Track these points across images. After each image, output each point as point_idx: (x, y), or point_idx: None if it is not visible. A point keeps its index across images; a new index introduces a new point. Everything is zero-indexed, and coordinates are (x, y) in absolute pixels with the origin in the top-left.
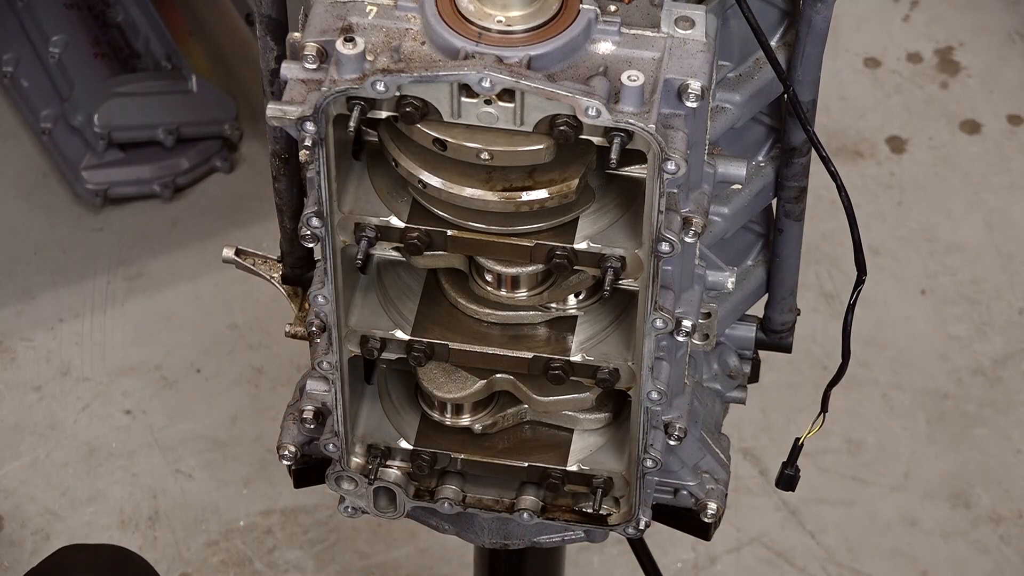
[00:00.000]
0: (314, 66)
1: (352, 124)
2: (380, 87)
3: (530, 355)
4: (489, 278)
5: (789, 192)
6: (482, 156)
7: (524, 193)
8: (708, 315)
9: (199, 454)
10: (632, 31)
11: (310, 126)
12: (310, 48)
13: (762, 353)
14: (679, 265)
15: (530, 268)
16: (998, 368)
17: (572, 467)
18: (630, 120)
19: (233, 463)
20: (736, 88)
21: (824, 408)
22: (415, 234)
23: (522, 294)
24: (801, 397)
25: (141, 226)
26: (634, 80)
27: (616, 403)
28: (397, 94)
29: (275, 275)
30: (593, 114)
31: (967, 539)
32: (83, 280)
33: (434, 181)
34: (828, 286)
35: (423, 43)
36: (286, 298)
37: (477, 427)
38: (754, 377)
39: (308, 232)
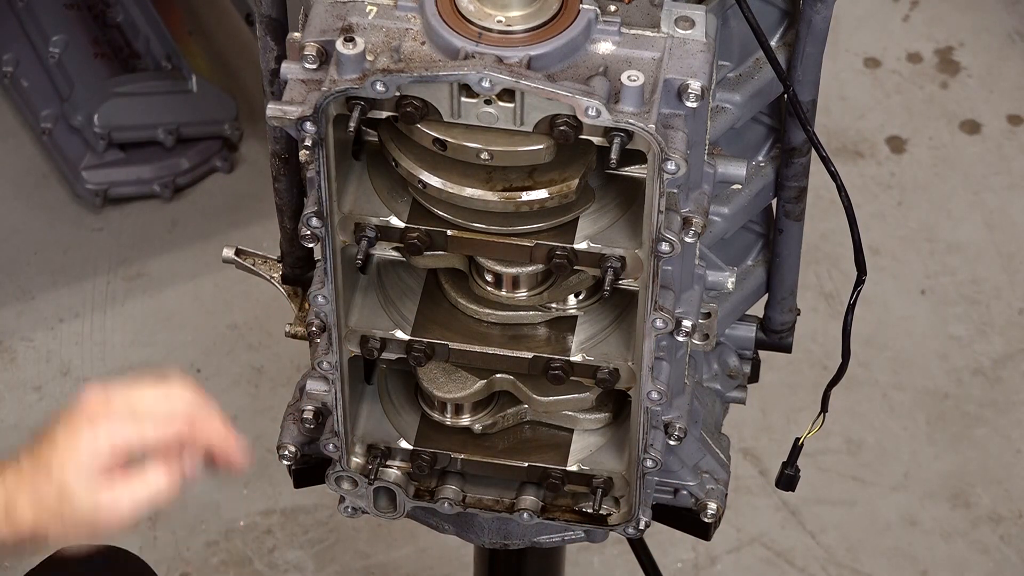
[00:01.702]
0: (314, 66)
1: (352, 124)
2: (380, 87)
3: (530, 355)
4: (489, 278)
5: (789, 192)
6: (482, 156)
7: (524, 193)
8: (708, 315)
9: None
10: (632, 31)
11: (310, 126)
12: (310, 48)
13: (762, 353)
14: (679, 265)
15: (530, 268)
16: (998, 368)
17: (572, 467)
18: (630, 120)
19: None
20: (736, 88)
21: (824, 408)
22: (415, 234)
23: (522, 294)
24: (801, 397)
25: (141, 226)
26: (634, 80)
27: (616, 403)
28: (397, 94)
29: (275, 275)
30: (593, 114)
31: (967, 539)
32: (83, 280)
33: (434, 181)
34: (828, 286)
35: (423, 43)
36: (286, 298)
37: (477, 427)
38: (754, 377)
39: (308, 232)
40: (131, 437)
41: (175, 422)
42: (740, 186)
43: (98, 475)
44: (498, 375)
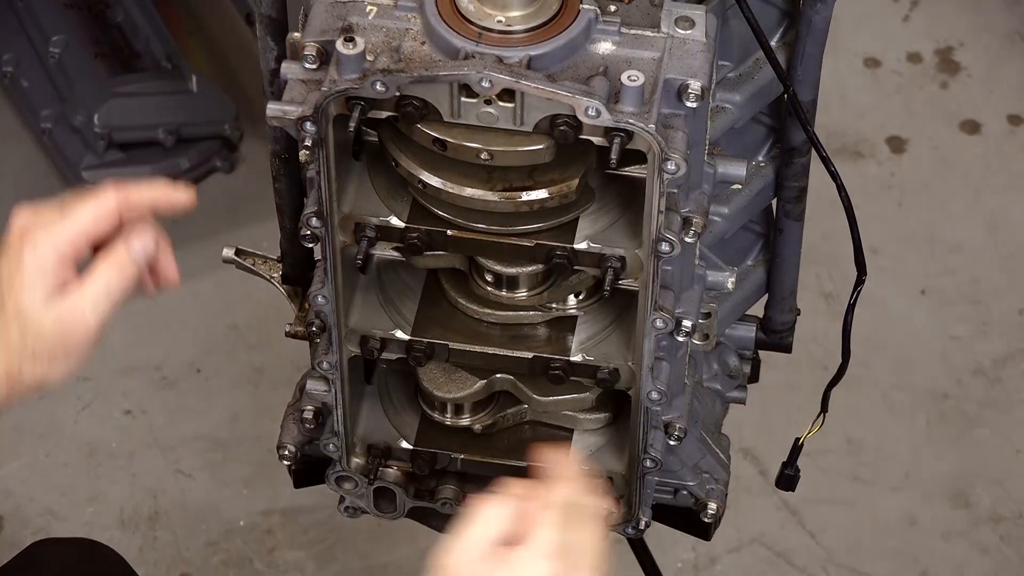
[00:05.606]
0: (314, 66)
1: (352, 124)
2: (380, 87)
3: (530, 355)
4: (489, 278)
5: (789, 192)
6: (482, 156)
7: (524, 193)
8: (708, 315)
9: (199, 454)
10: (632, 31)
11: (310, 126)
12: (310, 48)
13: (762, 353)
14: (679, 265)
15: (530, 268)
16: (998, 368)
17: None
18: (630, 120)
19: (233, 463)
20: (736, 88)
21: (824, 408)
22: (415, 234)
23: (522, 294)
24: (801, 397)
25: None
26: (634, 80)
27: (616, 403)
28: (397, 94)
29: (275, 275)
30: (593, 114)
31: (967, 539)
32: None
33: (434, 181)
34: (828, 286)
35: (423, 43)
36: (286, 298)
37: (477, 427)
38: (754, 377)
39: (308, 232)
40: (72, 238)
41: (111, 211)
42: (740, 186)
43: (52, 292)
44: (498, 375)
